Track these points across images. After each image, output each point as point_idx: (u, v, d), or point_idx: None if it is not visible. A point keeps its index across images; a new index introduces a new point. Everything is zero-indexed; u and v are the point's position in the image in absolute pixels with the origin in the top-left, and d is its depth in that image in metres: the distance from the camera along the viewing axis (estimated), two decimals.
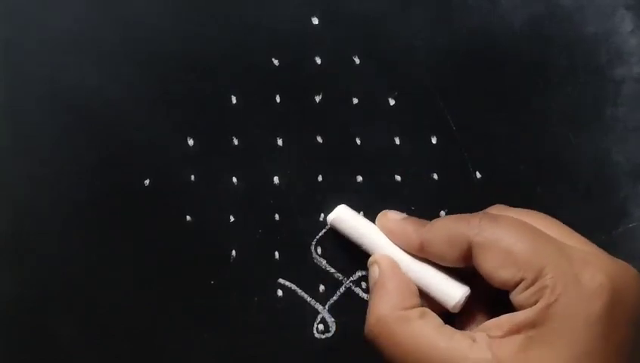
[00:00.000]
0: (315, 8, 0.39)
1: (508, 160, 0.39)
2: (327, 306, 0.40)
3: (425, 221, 0.36)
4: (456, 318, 0.35)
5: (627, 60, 0.39)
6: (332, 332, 0.40)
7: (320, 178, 0.40)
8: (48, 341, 0.40)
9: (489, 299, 0.35)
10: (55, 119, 0.39)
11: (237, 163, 0.40)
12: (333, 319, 0.40)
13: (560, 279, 0.31)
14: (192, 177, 0.40)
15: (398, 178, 0.40)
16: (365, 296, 0.40)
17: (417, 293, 0.35)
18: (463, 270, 0.35)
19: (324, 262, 0.40)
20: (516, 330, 0.31)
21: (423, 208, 0.39)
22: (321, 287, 0.40)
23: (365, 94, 0.39)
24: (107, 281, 0.40)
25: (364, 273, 0.40)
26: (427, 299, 0.35)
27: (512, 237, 0.32)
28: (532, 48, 0.39)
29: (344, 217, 0.38)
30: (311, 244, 0.40)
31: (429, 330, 0.33)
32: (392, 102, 0.39)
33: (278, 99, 0.40)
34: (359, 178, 0.40)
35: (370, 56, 0.39)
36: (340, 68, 0.39)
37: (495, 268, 0.32)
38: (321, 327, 0.40)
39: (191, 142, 0.40)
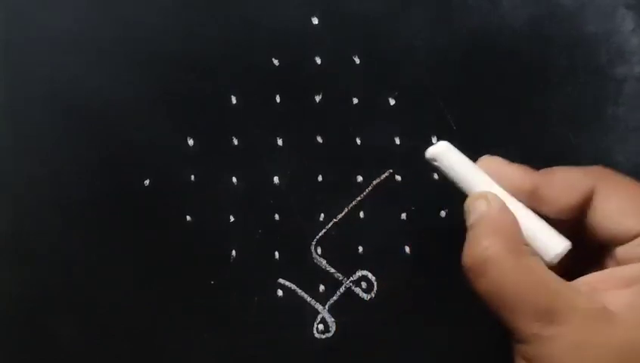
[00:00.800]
0: (315, 8, 0.39)
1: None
2: (327, 306, 0.40)
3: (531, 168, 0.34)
4: None
5: (628, 60, 0.39)
6: (332, 332, 0.40)
7: (320, 178, 0.40)
8: (48, 341, 0.40)
9: (575, 263, 0.34)
10: (55, 119, 0.40)
11: (237, 163, 0.40)
12: (333, 319, 0.40)
13: None
14: (192, 177, 0.40)
15: (398, 178, 0.40)
16: (365, 296, 0.40)
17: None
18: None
19: (324, 262, 0.40)
20: (626, 284, 0.30)
21: (423, 208, 0.39)
22: (321, 287, 0.40)
23: (365, 94, 0.39)
24: (107, 281, 0.40)
25: (364, 273, 0.40)
26: None
27: (636, 190, 0.32)
28: (532, 48, 0.39)
29: (444, 153, 0.34)
30: (311, 244, 0.40)
31: (540, 270, 0.31)
32: (392, 102, 0.39)
33: (278, 99, 0.40)
34: (359, 178, 0.40)
35: (370, 56, 0.39)
36: (340, 68, 0.39)
37: (617, 217, 0.31)
38: (321, 327, 0.40)
39: (191, 142, 0.40)
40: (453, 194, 0.39)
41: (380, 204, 0.39)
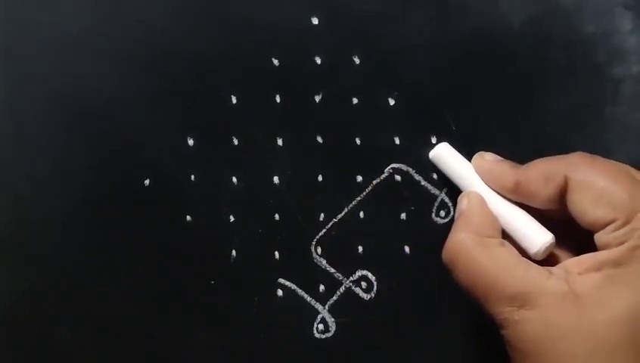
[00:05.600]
0: (315, 8, 0.39)
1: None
2: (327, 306, 0.40)
3: (518, 165, 0.36)
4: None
5: (626, 60, 0.39)
6: (332, 332, 0.40)
7: (320, 178, 0.40)
8: (48, 341, 0.40)
9: (570, 250, 0.35)
10: (55, 119, 0.39)
11: (237, 163, 0.40)
12: (333, 319, 0.40)
13: None
14: (192, 177, 0.40)
15: (398, 178, 0.40)
16: (365, 296, 0.40)
17: (500, 230, 0.35)
18: (548, 220, 0.35)
19: (324, 262, 0.40)
20: (597, 268, 0.32)
21: (423, 208, 0.39)
22: (321, 287, 0.40)
23: (365, 94, 0.39)
24: (106, 281, 0.40)
25: (364, 273, 0.40)
26: (515, 245, 0.35)
27: (609, 177, 0.32)
28: (531, 48, 0.39)
29: (443, 154, 0.38)
30: (311, 244, 0.40)
31: (507, 257, 0.33)
32: (392, 102, 0.39)
33: (278, 99, 0.40)
34: (359, 178, 0.40)
35: (370, 56, 0.39)
36: (340, 68, 0.39)
37: (590, 206, 0.32)
38: (321, 327, 0.40)
39: (191, 142, 0.40)
40: (453, 194, 0.39)
41: (380, 204, 0.39)
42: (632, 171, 0.34)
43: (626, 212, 0.31)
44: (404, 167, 0.39)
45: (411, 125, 0.39)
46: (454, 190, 0.39)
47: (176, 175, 0.40)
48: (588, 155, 0.34)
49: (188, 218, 0.40)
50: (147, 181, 0.40)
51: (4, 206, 0.40)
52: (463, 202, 0.36)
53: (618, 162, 0.34)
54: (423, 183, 0.39)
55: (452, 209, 0.39)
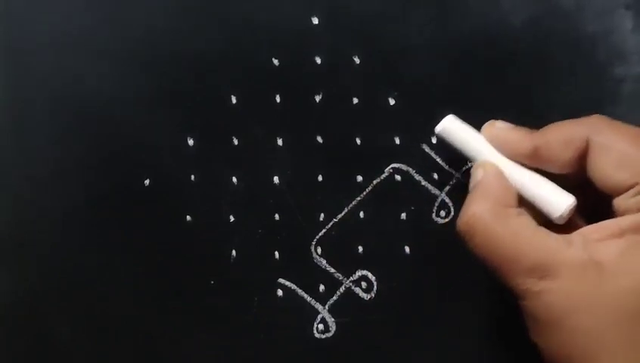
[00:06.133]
0: (315, 8, 0.39)
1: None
2: (327, 306, 0.40)
3: (533, 130, 0.35)
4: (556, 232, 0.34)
5: (627, 60, 0.39)
6: (332, 332, 0.40)
7: (320, 178, 0.40)
8: (48, 341, 0.40)
9: (585, 217, 0.34)
10: (55, 119, 0.40)
11: (237, 163, 0.40)
12: (333, 319, 0.40)
13: None
14: (192, 177, 0.40)
15: (398, 177, 0.40)
16: (365, 296, 0.40)
17: (517, 199, 0.34)
18: (567, 183, 0.34)
19: (324, 262, 0.40)
20: (618, 234, 0.31)
21: (423, 208, 0.39)
22: (321, 287, 0.40)
23: (365, 94, 0.39)
24: (106, 281, 0.40)
25: (364, 273, 0.40)
26: (533, 211, 0.34)
27: (631, 141, 0.32)
28: (532, 47, 0.39)
29: (451, 128, 0.36)
30: (311, 244, 0.40)
31: (526, 227, 0.32)
32: (392, 102, 0.39)
33: (278, 99, 0.40)
34: (359, 178, 0.40)
35: (370, 56, 0.39)
36: (340, 68, 0.39)
37: (611, 169, 0.32)
38: (321, 327, 0.40)
39: (191, 142, 0.40)
40: (453, 195, 0.39)
41: (380, 204, 0.39)
42: None
43: None
44: (404, 167, 0.39)
45: (411, 125, 0.39)
46: (455, 189, 0.39)
47: (176, 175, 0.40)
48: (608, 118, 0.33)
49: (188, 218, 0.40)
50: (147, 181, 0.40)
51: (4, 206, 0.40)
52: (478, 172, 0.35)
53: (638, 127, 0.34)
54: (423, 183, 0.39)
55: (452, 209, 0.39)
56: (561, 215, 0.33)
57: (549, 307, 0.31)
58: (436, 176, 0.39)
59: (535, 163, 0.34)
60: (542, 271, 0.31)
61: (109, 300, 0.40)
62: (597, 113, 0.38)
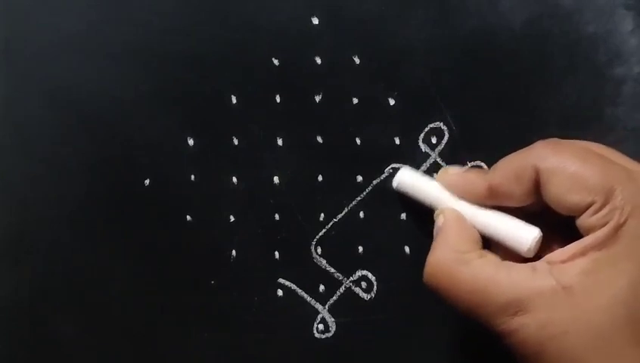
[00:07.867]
0: (315, 8, 0.39)
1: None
2: (327, 306, 0.40)
3: (486, 169, 0.35)
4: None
5: (627, 60, 0.39)
6: (332, 332, 0.40)
7: (320, 178, 0.40)
8: (48, 341, 0.40)
9: (557, 242, 0.34)
10: (55, 119, 0.40)
11: (237, 163, 0.40)
12: (333, 319, 0.40)
13: (629, 201, 0.30)
14: (192, 177, 0.40)
15: None
16: (365, 296, 0.40)
17: (479, 240, 0.34)
18: (528, 216, 0.34)
19: (324, 262, 0.40)
20: (581, 254, 0.31)
21: (423, 208, 0.39)
22: (321, 287, 0.40)
23: (365, 94, 0.39)
24: (106, 281, 0.40)
25: (364, 273, 0.40)
26: (500, 250, 0.34)
27: (580, 160, 0.32)
28: (531, 48, 0.39)
29: (406, 180, 0.38)
30: (311, 244, 0.40)
31: (488, 268, 0.32)
32: (392, 102, 0.39)
33: (278, 99, 0.40)
34: (359, 178, 0.40)
35: (370, 56, 0.39)
36: (340, 68, 0.39)
37: (565, 193, 0.32)
38: (321, 327, 0.40)
39: (191, 142, 0.40)
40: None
41: (380, 204, 0.39)
42: (596, 147, 0.33)
43: (602, 192, 0.31)
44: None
45: (411, 125, 0.39)
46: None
47: (176, 175, 0.40)
48: (552, 141, 0.34)
49: (188, 218, 0.40)
50: (147, 181, 0.40)
51: (4, 206, 0.40)
52: (439, 219, 0.36)
53: (582, 142, 0.34)
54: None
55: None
56: (529, 249, 0.34)
57: (529, 341, 0.31)
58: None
59: (494, 201, 0.35)
60: (513, 307, 0.31)
61: (109, 300, 0.40)
62: (597, 113, 0.39)
